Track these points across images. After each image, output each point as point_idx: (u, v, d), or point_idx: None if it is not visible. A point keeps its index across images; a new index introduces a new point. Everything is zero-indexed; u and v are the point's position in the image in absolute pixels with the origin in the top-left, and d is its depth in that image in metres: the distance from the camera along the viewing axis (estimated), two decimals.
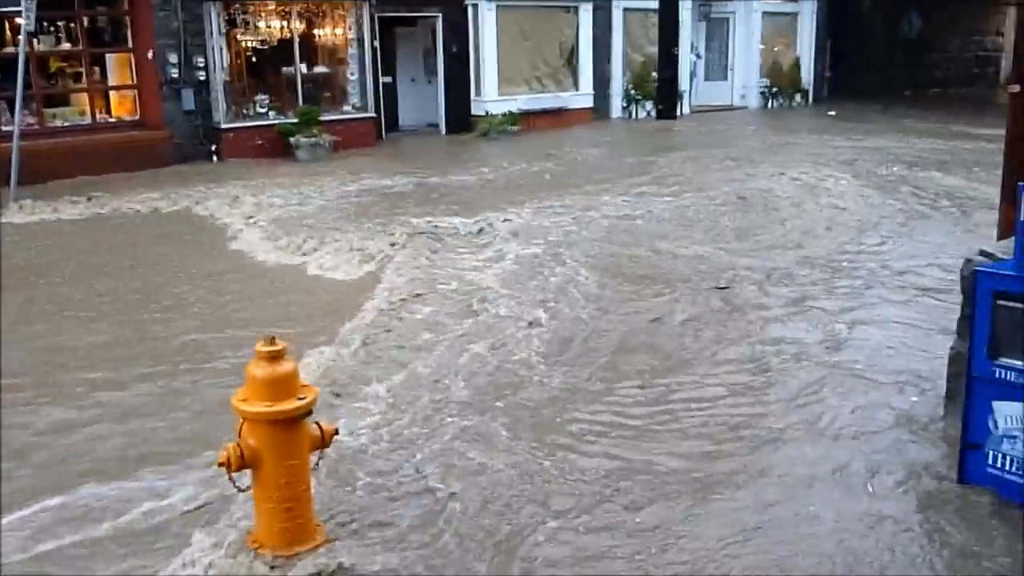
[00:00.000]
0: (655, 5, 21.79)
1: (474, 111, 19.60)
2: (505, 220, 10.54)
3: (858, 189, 12.53)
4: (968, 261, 4.86)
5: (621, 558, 3.95)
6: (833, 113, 23.87)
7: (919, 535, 4.08)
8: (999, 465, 4.29)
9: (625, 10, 21.93)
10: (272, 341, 3.76)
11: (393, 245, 9.30)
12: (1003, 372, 4.20)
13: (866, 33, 28.72)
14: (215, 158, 16.23)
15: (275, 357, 3.75)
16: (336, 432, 4.17)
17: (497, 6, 19.21)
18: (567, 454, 4.89)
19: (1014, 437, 4.22)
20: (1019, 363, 4.15)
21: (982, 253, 4.88)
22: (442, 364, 6.15)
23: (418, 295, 7.72)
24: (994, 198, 8.50)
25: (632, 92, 22.67)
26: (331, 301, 7.88)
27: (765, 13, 25.48)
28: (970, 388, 4.35)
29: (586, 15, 20.85)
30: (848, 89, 27.58)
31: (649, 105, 22.63)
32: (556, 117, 20.58)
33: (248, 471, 3.83)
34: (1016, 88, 7.55)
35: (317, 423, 3.97)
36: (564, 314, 7.26)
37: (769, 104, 26.00)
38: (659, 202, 11.76)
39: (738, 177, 13.44)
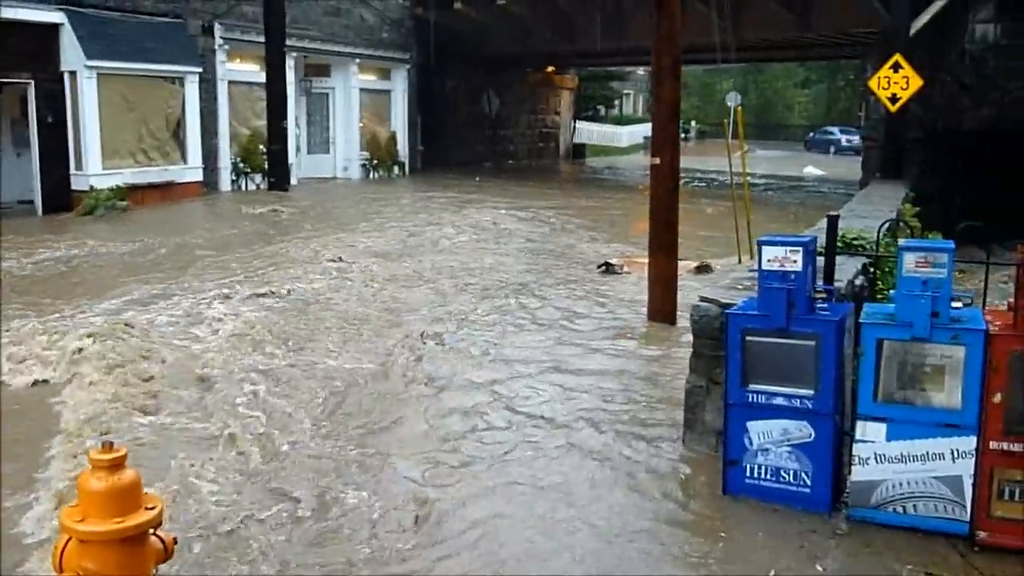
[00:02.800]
0: (259, 78, 21.81)
1: (75, 186, 18.08)
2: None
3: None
4: (696, 307, 5.66)
5: None
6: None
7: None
8: (756, 476, 5.03)
9: (230, 83, 21.66)
10: (110, 447, 3.37)
11: None
12: (754, 396, 4.97)
13: (452, 110, 31.10)
14: None
15: (116, 465, 3.36)
16: (175, 541, 3.81)
17: (98, 74, 17.99)
18: None
19: (767, 450, 4.98)
20: (767, 387, 4.93)
21: (703, 299, 5.71)
22: None
23: None
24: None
25: (241, 165, 22.37)
26: None
27: (362, 89, 26.55)
28: (727, 413, 5.07)
29: (192, 87, 20.27)
30: (439, 161, 29.58)
31: (259, 177, 22.50)
32: (165, 191, 19.66)
33: None
34: (657, 160, 8.86)
35: (156, 534, 3.60)
36: None
37: (370, 175, 27.03)
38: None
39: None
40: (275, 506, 5.14)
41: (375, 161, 27.26)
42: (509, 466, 5.68)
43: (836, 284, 5.93)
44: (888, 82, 17.12)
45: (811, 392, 4.83)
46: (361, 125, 26.69)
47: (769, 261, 4.85)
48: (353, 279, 11.39)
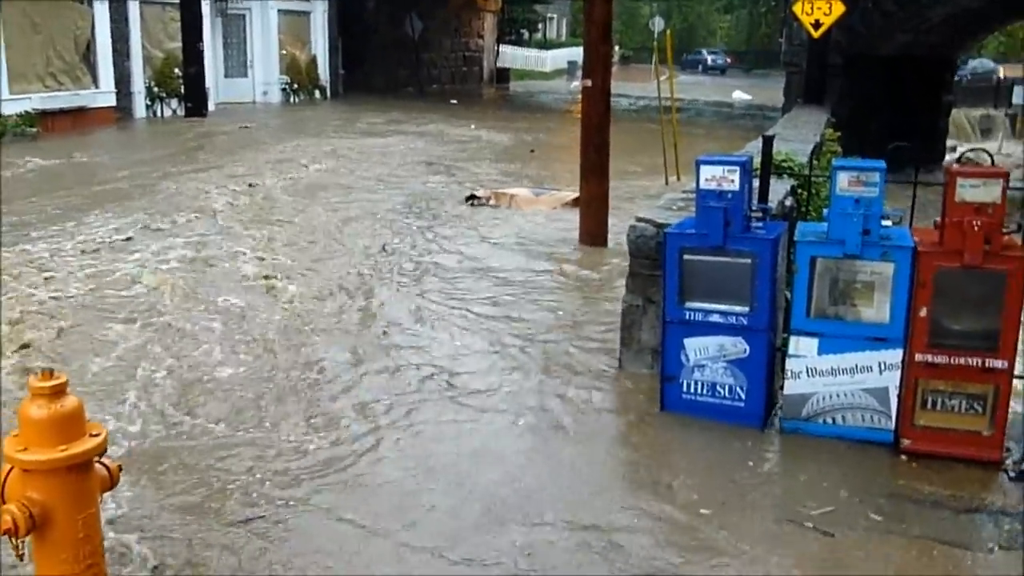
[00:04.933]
0: None
1: None
2: None
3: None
4: (633, 227, 5.71)
5: None
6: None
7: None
8: (692, 392, 5.17)
9: (142, 3, 20.73)
10: (50, 374, 3.29)
11: None
12: (691, 314, 5.07)
13: (373, 33, 30.38)
14: None
15: (58, 392, 3.28)
16: (120, 469, 3.76)
17: None
18: None
19: (703, 366, 5.11)
20: (704, 305, 5.04)
21: (640, 219, 5.77)
22: None
23: None
24: None
25: (156, 90, 21.59)
26: None
27: (280, 11, 25.73)
28: (664, 330, 5.18)
29: (101, 6, 19.36)
30: (361, 85, 29.00)
31: (175, 103, 21.80)
32: (77, 118, 18.87)
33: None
34: (588, 83, 8.83)
35: (101, 462, 3.54)
36: None
37: (291, 100, 26.39)
38: None
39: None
40: None
41: (295, 85, 26.58)
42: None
43: (769, 204, 6.06)
44: (812, 7, 17.24)
45: (747, 309, 4.96)
46: (282, 50, 25.93)
47: (707, 180, 4.92)
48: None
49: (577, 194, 11.22)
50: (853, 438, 4.90)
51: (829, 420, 4.94)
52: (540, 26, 51.73)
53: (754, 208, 5.07)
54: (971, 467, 4.68)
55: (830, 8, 17.23)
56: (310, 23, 27.42)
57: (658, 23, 42.27)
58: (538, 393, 5.63)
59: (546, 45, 50.90)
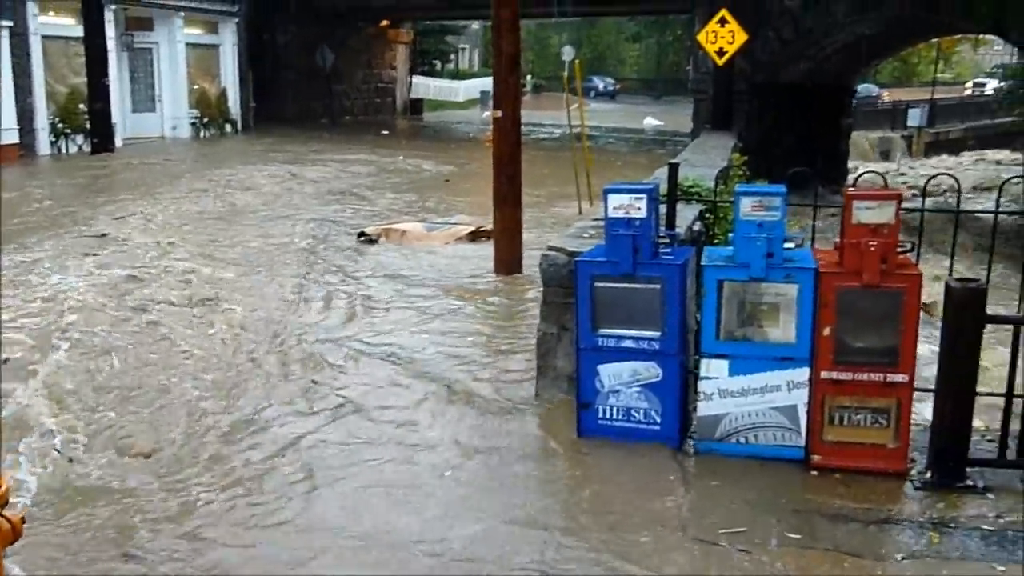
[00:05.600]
0: (77, 32, 20.54)
1: None
2: None
3: None
4: (545, 256, 5.77)
5: None
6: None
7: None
8: (608, 417, 5.22)
9: (44, 37, 20.22)
10: None
11: None
12: (604, 340, 5.14)
13: (285, 65, 30.21)
14: None
15: None
16: (24, 520, 3.62)
17: None
18: None
19: (618, 391, 5.18)
20: (616, 331, 5.11)
21: (552, 248, 5.83)
22: None
23: None
24: None
25: (60, 125, 21.05)
26: None
27: (188, 44, 25.38)
28: (578, 357, 5.23)
29: (2, 41, 18.83)
30: (273, 118, 28.75)
31: (80, 138, 21.29)
32: None
33: None
34: (498, 113, 8.92)
35: (2, 515, 3.41)
36: None
37: (201, 134, 25.99)
38: None
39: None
40: None
41: (205, 119, 26.22)
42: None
43: (676, 230, 6.19)
44: (715, 36, 17.73)
45: (658, 334, 5.04)
46: (191, 84, 25.56)
47: (615, 209, 5.01)
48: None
49: (472, 228, 11.31)
50: (766, 456, 5.00)
51: (742, 439, 5.04)
52: (452, 57, 52.05)
53: (661, 234, 5.17)
54: (879, 479, 4.82)
55: (733, 37, 17.73)
56: (219, 56, 27.10)
57: (568, 52, 42.89)
58: (454, 424, 5.64)
59: (458, 76, 51.21)
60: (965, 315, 4.56)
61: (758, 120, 20.28)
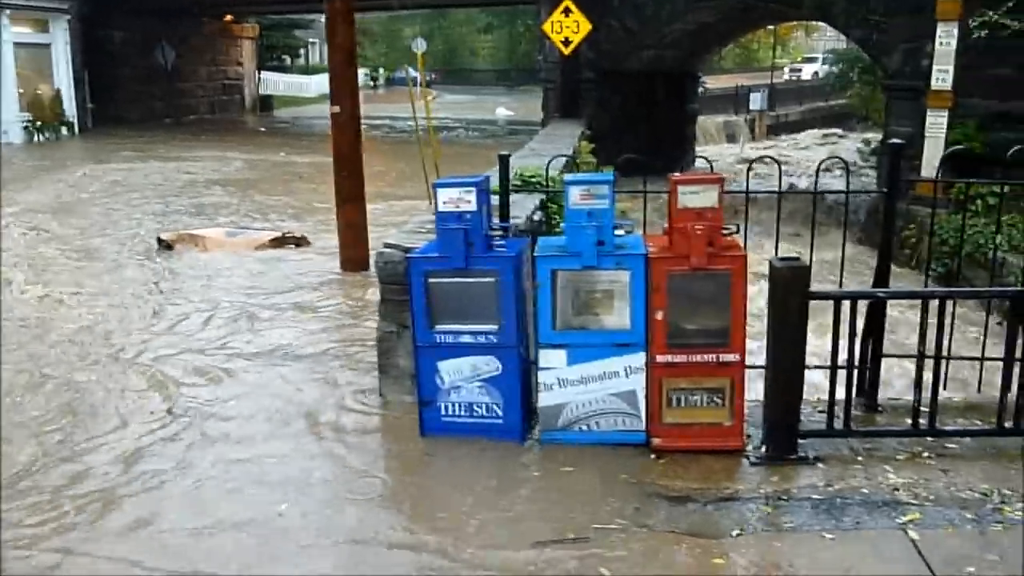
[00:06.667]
0: None
1: None
2: None
3: None
4: (380, 253, 5.64)
5: None
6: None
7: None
8: (451, 414, 5.15)
9: None
10: None
11: None
12: (441, 337, 5.05)
13: (123, 64, 28.90)
14: None
15: None
16: None
17: None
18: None
19: (459, 387, 5.11)
20: (453, 327, 5.04)
21: (387, 245, 5.71)
22: None
23: None
24: None
25: None
26: None
27: (16, 44, 23.95)
28: (417, 355, 5.13)
29: None
30: (113, 119, 27.50)
31: None
32: None
33: None
34: (337, 109, 8.72)
35: None
36: None
37: (35, 138, 24.60)
38: None
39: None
40: None
41: (38, 123, 24.82)
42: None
43: (515, 220, 6.16)
44: (560, 26, 17.92)
45: (495, 327, 4.99)
46: (20, 87, 24.15)
47: (445, 203, 4.92)
48: None
49: (277, 234, 11.09)
50: (608, 442, 5.03)
51: (584, 427, 5.06)
52: (302, 52, 50.97)
53: (494, 226, 5.12)
54: (718, 457, 4.91)
55: (578, 27, 17.95)
56: (51, 55, 25.70)
57: (420, 44, 42.65)
58: (297, 426, 5.47)
59: (309, 71, 50.16)
60: (789, 293, 4.68)
61: (607, 108, 20.62)
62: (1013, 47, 14.13)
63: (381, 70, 55.46)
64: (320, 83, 47.76)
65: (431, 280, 5.00)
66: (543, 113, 21.61)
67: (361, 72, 49.57)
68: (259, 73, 39.66)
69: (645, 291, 4.81)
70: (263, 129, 31.94)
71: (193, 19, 32.25)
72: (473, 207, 4.88)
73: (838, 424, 5.00)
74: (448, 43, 61.47)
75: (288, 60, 49.25)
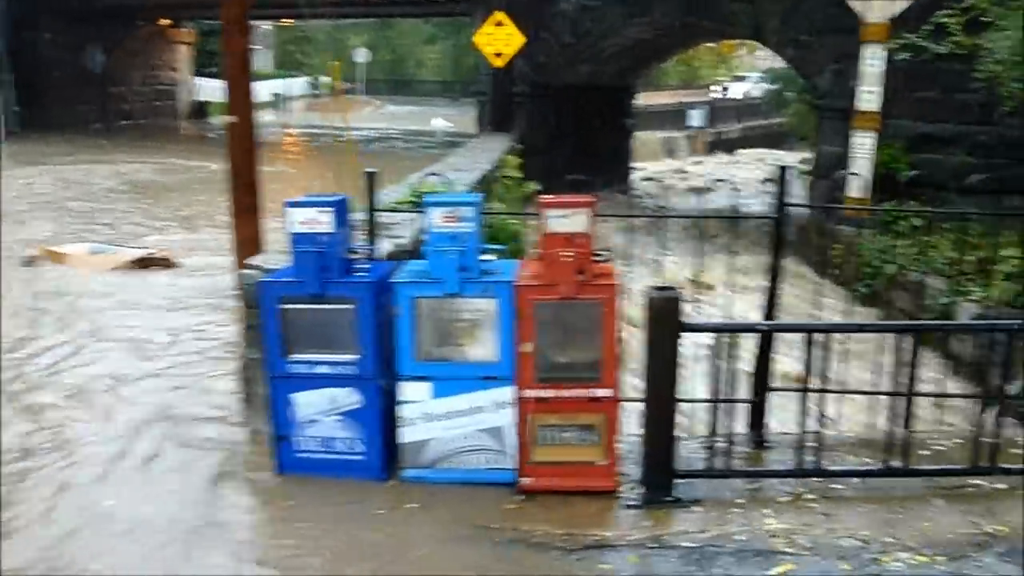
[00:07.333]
0: None
1: None
2: None
3: None
4: (241, 275, 5.27)
5: None
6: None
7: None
8: (308, 449, 4.78)
9: None
10: None
11: None
12: (297, 367, 4.68)
13: (52, 67, 28.06)
14: None
15: None
16: None
17: None
18: None
19: (316, 421, 4.74)
20: (309, 356, 4.67)
21: (248, 266, 5.33)
22: None
23: None
24: None
25: None
26: None
27: None
28: (271, 387, 4.75)
29: None
30: (41, 124, 26.64)
31: None
32: None
33: None
34: (233, 119, 8.31)
35: None
36: None
37: None
38: None
39: None
40: None
41: None
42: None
43: (398, 242, 5.84)
44: (492, 39, 17.65)
45: (355, 357, 4.64)
46: None
47: (301, 223, 4.56)
48: None
49: (142, 254, 10.73)
50: (476, 481, 4.70)
51: (450, 465, 4.72)
52: None
53: (354, 249, 4.77)
54: (590, 499, 4.61)
55: (510, 39, 17.70)
56: None
57: (362, 54, 42.29)
58: (151, 461, 5.07)
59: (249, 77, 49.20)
60: (662, 323, 4.40)
61: (542, 122, 20.38)
62: (939, 70, 14.17)
63: (327, 79, 54.76)
64: (260, 91, 47.13)
65: (285, 306, 4.63)
66: (478, 126, 21.29)
67: (303, 80, 49.18)
68: (195, 79, 38.82)
69: (512, 321, 4.50)
70: (195, 135, 31.26)
71: (126, 23, 31.43)
72: (329, 228, 4.52)
73: (720, 463, 4.73)
74: (395, 54, 60.87)
75: None
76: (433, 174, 6.25)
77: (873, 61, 13.85)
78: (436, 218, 4.47)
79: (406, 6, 30.83)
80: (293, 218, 4.55)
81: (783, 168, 4.99)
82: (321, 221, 4.51)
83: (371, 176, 5.20)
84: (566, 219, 4.38)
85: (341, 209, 4.62)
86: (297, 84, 47.75)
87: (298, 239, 4.55)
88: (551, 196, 4.49)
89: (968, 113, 14.17)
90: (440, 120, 31.80)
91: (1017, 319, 7.00)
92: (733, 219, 5.52)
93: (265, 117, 39.95)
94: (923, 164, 14.13)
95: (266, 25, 47.29)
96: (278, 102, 40.97)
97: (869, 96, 14.02)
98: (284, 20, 42.49)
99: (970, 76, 12.83)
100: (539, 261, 4.54)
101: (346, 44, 56.60)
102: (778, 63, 24.11)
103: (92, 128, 28.61)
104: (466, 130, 30.70)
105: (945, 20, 13.41)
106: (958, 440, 5.28)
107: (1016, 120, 12.95)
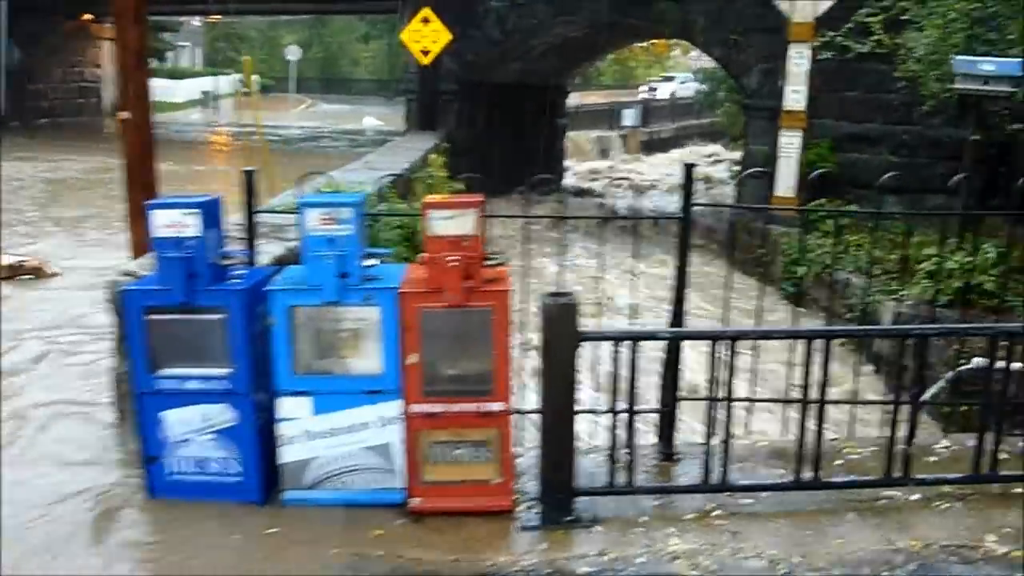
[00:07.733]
0: None
1: None
2: None
3: None
4: (112, 281, 4.85)
5: None
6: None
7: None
8: (180, 471, 4.40)
9: None
10: None
11: None
12: (165, 382, 4.30)
13: None
14: None
15: None
16: None
17: None
18: None
19: (188, 440, 4.36)
20: (179, 371, 4.29)
21: (125, 273, 4.92)
22: None
23: None
24: None
25: None
26: None
27: None
28: (139, 404, 4.37)
29: None
30: None
31: None
32: None
33: None
34: (127, 115, 7.84)
35: None
36: None
37: None
38: None
39: None
40: None
41: None
42: None
43: (292, 244, 5.50)
44: (419, 36, 17.32)
45: (228, 371, 4.27)
46: None
47: (166, 227, 4.18)
48: None
49: (11, 261, 10.07)
50: (362, 503, 4.37)
51: (335, 485, 4.38)
52: (170, 55, 48.80)
53: (225, 254, 4.40)
54: (485, 520, 4.30)
55: (437, 37, 17.37)
56: None
57: (294, 52, 41.58)
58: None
59: (176, 74, 48.03)
60: (558, 331, 4.12)
61: (471, 120, 20.08)
62: (863, 70, 14.19)
63: (258, 76, 53.77)
64: (189, 88, 46.08)
65: (151, 316, 4.25)
66: (406, 124, 20.89)
67: (234, 77, 48.16)
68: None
69: (397, 331, 4.17)
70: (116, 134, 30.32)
71: (48, 18, 30.35)
72: (196, 232, 4.15)
73: (623, 479, 4.46)
74: (329, 52, 60.02)
75: (154, 63, 47.14)
76: (317, 172, 5.86)
77: (799, 60, 13.83)
78: (313, 220, 4.12)
79: (333, 2, 30.31)
80: (157, 221, 4.16)
81: (689, 167, 4.73)
82: (187, 224, 4.14)
83: (249, 175, 4.80)
84: (451, 221, 4.07)
85: (210, 210, 4.25)
86: (227, 82, 46.73)
87: (162, 244, 4.16)
88: (436, 196, 4.18)
89: (891, 113, 14.23)
90: (371, 119, 31.34)
91: (932, 322, 6.92)
92: (636, 220, 5.24)
93: (193, 115, 39.20)
94: (849, 163, 14.16)
95: (196, 21, 46.27)
96: (207, 100, 40.03)
97: (796, 95, 14.00)
98: (212, 16, 41.54)
99: (892, 76, 12.86)
100: (425, 266, 4.23)
101: (279, 42, 55.73)
102: (711, 63, 24.14)
103: (8, 126, 27.53)
104: (398, 129, 30.31)
105: (867, 19, 13.43)
106: (873, 448, 5.08)
107: (936, 119, 13.02)
